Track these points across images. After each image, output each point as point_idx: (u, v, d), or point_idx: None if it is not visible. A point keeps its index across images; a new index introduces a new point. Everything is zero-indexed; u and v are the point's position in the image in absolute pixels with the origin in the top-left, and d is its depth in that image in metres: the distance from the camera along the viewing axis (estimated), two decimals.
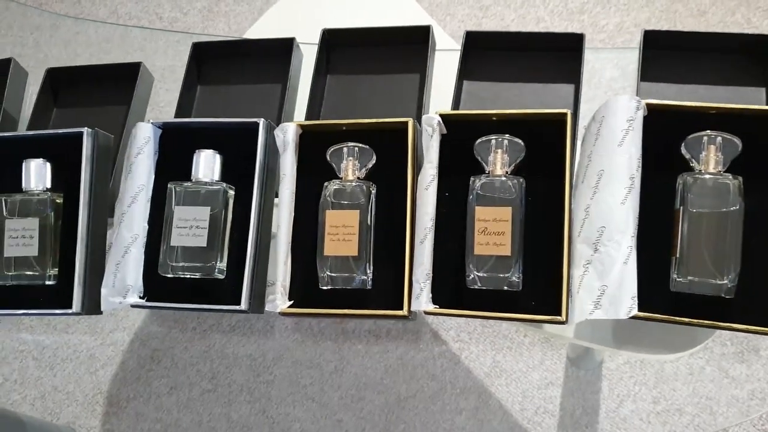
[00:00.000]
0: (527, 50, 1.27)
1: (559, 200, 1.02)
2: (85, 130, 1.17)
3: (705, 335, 1.29)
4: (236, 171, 1.14)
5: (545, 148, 1.06)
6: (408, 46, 1.31)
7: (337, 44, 1.35)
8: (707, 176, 0.96)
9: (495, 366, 1.45)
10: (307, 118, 1.26)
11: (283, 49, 1.33)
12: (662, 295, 0.98)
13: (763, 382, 1.48)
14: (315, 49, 1.32)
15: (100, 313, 1.15)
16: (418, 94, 1.25)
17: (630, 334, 1.26)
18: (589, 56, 1.22)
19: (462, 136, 1.08)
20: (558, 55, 1.25)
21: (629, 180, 0.98)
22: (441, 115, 1.07)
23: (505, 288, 1.01)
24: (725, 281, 0.93)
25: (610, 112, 1.01)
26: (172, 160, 1.18)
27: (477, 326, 1.24)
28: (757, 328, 0.93)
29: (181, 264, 1.11)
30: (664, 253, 0.99)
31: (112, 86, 1.42)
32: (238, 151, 1.15)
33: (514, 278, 1.00)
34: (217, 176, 1.13)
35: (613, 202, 0.97)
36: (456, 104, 1.22)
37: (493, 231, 1.00)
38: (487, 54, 1.29)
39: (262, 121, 1.13)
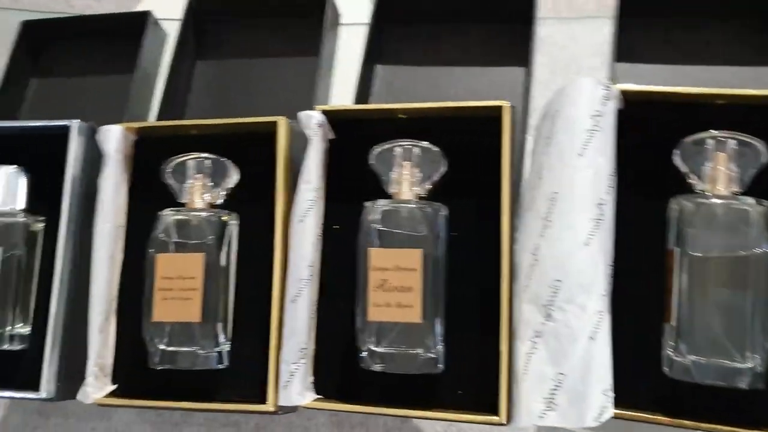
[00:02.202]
0: (461, 21, 0.93)
1: (497, 237, 0.68)
2: None
3: None
4: (52, 197, 0.80)
5: (476, 159, 0.72)
6: (300, 20, 0.97)
7: (209, 19, 1.00)
8: (715, 200, 0.63)
9: None
10: (160, 118, 0.91)
11: (135, 27, 0.98)
12: (652, 382, 0.65)
13: None
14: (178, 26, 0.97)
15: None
16: (310, 85, 0.90)
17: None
18: (549, 29, 0.88)
19: (357, 143, 0.74)
20: (504, 28, 0.91)
21: (596, 208, 0.64)
22: (325, 112, 0.73)
23: (416, 371, 0.67)
24: (747, 364, 0.60)
25: (566, 104, 0.67)
26: None
27: (392, 423, 0.87)
28: None
29: None
30: (652, 317, 0.66)
31: None
32: (57, 168, 0.80)
33: (429, 354, 0.67)
34: (21, 203, 0.79)
35: (573, 241, 0.64)
36: (363, 97, 0.88)
37: (396, 285, 0.66)
38: (407, 28, 0.94)
39: (74, 124, 0.78)
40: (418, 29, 0.94)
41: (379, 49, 0.93)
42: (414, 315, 0.66)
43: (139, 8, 1.08)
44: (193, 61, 1.00)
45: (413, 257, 0.67)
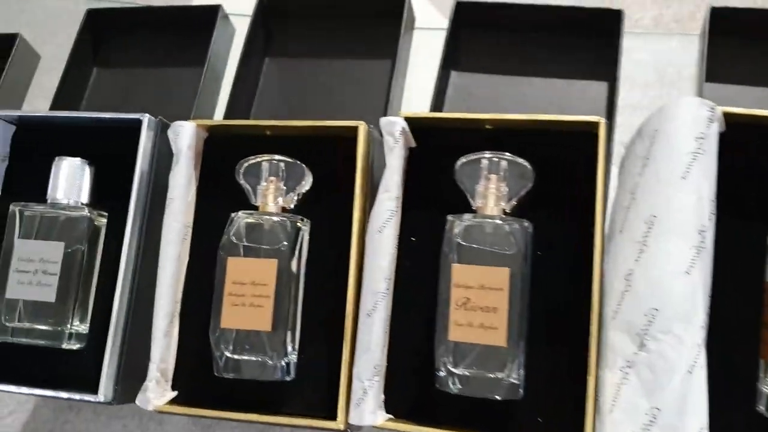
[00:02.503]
0: (541, 30, 0.89)
1: (585, 259, 0.65)
2: None
3: None
4: (116, 189, 0.78)
5: (565, 174, 0.69)
6: (376, 21, 0.93)
7: (280, 16, 0.97)
8: None
9: None
10: (228, 115, 0.88)
11: (204, 20, 0.96)
12: (746, 419, 0.62)
13: None
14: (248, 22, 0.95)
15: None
16: (386, 89, 0.87)
17: None
18: (627, 43, 0.84)
19: (439, 153, 0.71)
20: (588, 41, 0.88)
21: (698, 235, 0.61)
22: (407, 119, 0.70)
23: (497, 397, 0.63)
24: None
25: (669, 125, 0.64)
26: (29, 170, 0.81)
27: None
28: None
29: (23, 326, 0.75)
30: (747, 352, 0.62)
31: None
32: (121, 160, 0.78)
33: (511, 380, 0.63)
34: (84, 197, 0.77)
35: (673, 269, 0.60)
36: (438, 104, 0.85)
37: (481, 305, 0.63)
38: (485, 34, 0.91)
39: (146, 118, 0.76)
40: (496, 37, 0.91)
41: (455, 55, 0.90)
42: (499, 338, 0.63)
43: (201, 1, 1.06)
44: (261, 59, 0.97)
45: (500, 276, 0.63)
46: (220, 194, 0.76)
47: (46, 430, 1.08)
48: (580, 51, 0.88)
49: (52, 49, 1.09)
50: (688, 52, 0.87)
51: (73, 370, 0.77)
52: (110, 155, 0.79)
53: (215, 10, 0.96)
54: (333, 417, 0.67)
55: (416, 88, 0.91)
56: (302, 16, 0.97)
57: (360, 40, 0.95)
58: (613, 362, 0.62)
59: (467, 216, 0.66)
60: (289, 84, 0.96)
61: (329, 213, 0.74)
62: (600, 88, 0.86)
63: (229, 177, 0.75)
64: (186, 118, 0.82)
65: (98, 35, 1.03)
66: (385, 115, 0.86)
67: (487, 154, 0.68)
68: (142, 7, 1.06)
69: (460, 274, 0.64)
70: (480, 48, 0.91)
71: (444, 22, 0.91)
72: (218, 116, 0.95)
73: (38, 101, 1.06)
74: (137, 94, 1.00)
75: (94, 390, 0.73)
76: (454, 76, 0.90)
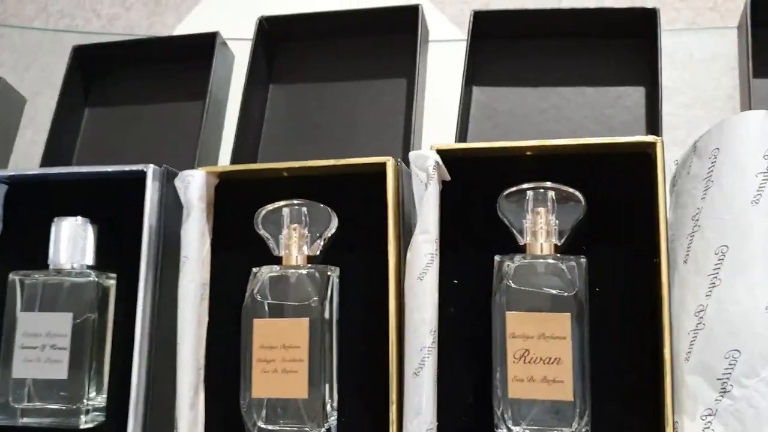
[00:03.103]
0: (567, 36, 0.83)
1: (647, 293, 0.59)
2: None
3: None
4: (123, 247, 0.72)
5: (618, 201, 0.62)
6: (386, 37, 0.87)
7: (281, 38, 0.90)
8: None
9: None
10: (235, 155, 0.82)
11: (202, 49, 0.89)
12: None
13: None
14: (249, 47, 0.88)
15: None
16: (404, 113, 0.81)
17: None
18: (667, 41, 0.78)
19: (476, 185, 0.65)
20: (617, 45, 0.81)
21: None
22: (439, 151, 0.64)
23: None
24: None
25: (732, 143, 0.58)
26: (26, 233, 0.75)
27: None
28: None
29: (33, 406, 0.68)
30: None
31: None
32: (125, 214, 0.72)
33: None
34: (89, 259, 0.70)
35: (753, 304, 0.54)
36: (463, 124, 0.78)
37: (542, 356, 0.57)
38: (507, 45, 0.84)
39: (150, 169, 0.69)
40: (518, 47, 0.84)
41: (476, 69, 0.84)
42: (565, 392, 0.57)
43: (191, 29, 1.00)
44: (265, 87, 0.90)
45: (561, 323, 0.57)
46: (237, 246, 0.70)
47: None
48: (612, 55, 0.81)
49: (37, 89, 1.03)
50: (726, 46, 0.81)
51: None
52: (112, 210, 0.73)
53: (212, 37, 0.89)
54: None
55: (434, 105, 0.85)
56: (306, 38, 0.91)
57: (371, 58, 0.88)
58: (693, 410, 0.56)
59: (517, 256, 0.60)
60: (297, 111, 0.89)
61: (358, 258, 0.68)
62: (636, 93, 0.79)
63: (246, 226, 0.68)
64: (190, 155, 0.76)
65: (87, 73, 0.96)
66: (407, 142, 0.80)
67: (533, 186, 0.61)
68: (133, 39, 1.00)
69: (516, 322, 0.58)
70: (502, 60, 0.84)
71: (458, 32, 0.84)
72: (224, 152, 0.88)
73: (28, 147, 0.99)
74: (134, 133, 0.94)
75: None
76: (477, 91, 0.83)
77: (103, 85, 0.97)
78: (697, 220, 0.59)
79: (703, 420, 0.56)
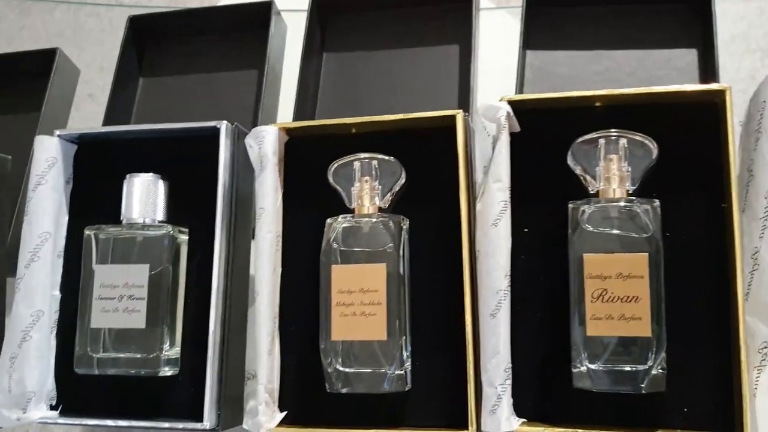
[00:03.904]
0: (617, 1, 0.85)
1: (716, 237, 0.60)
2: None
3: None
4: (192, 204, 0.74)
5: (690, 151, 0.64)
6: (437, 6, 0.88)
7: (335, 8, 0.92)
8: None
9: None
10: (297, 117, 0.83)
11: (256, 19, 0.91)
12: None
13: None
14: (304, 17, 0.90)
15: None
16: (459, 78, 0.82)
17: None
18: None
19: (545, 136, 0.67)
20: (668, 6, 0.83)
21: None
22: (511, 102, 0.66)
23: (641, 389, 0.59)
24: None
25: None
26: (95, 191, 0.76)
27: None
28: None
29: (111, 356, 0.70)
30: None
31: (14, 85, 0.99)
32: (194, 172, 0.74)
33: (657, 371, 0.59)
34: (161, 214, 0.72)
35: None
36: (519, 91, 0.80)
37: (620, 295, 0.58)
38: (559, 9, 0.86)
39: (223, 125, 0.71)
40: (570, 10, 0.86)
41: (532, 33, 0.85)
42: (643, 328, 0.58)
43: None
44: (320, 56, 0.92)
45: (639, 263, 0.59)
46: (306, 201, 0.72)
47: None
48: (663, 16, 0.83)
49: (91, 62, 1.05)
50: None
51: (165, 398, 0.72)
52: (180, 168, 0.75)
53: (268, 6, 0.91)
54: (458, 426, 0.62)
55: (482, 72, 0.86)
56: (358, 7, 0.92)
57: (423, 26, 0.90)
58: (752, 344, 0.58)
59: (592, 201, 0.62)
60: (351, 80, 0.91)
61: (426, 210, 0.69)
62: (689, 56, 0.81)
63: (315, 181, 0.70)
64: (247, 124, 0.78)
65: (142, 43, 0.98)
66: (464, 102, 0.82)
67: (604, 133, 0.63)
68: (187, 9, 1.01)
69: (594, 264, 0.60)
70: (554, 24, 0.86)
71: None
72: (282, 120, 0.90)
73: (84, 121, 1.01)
74: (189, 103, 0.95)
75: (189, 417, 0.69)
76: (531, 56, 0.85)
77: (158, 56, 0.98)
78: (752, 170, 0.61)
79: (760, 353, 0.58)
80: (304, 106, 0.86)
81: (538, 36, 0.86)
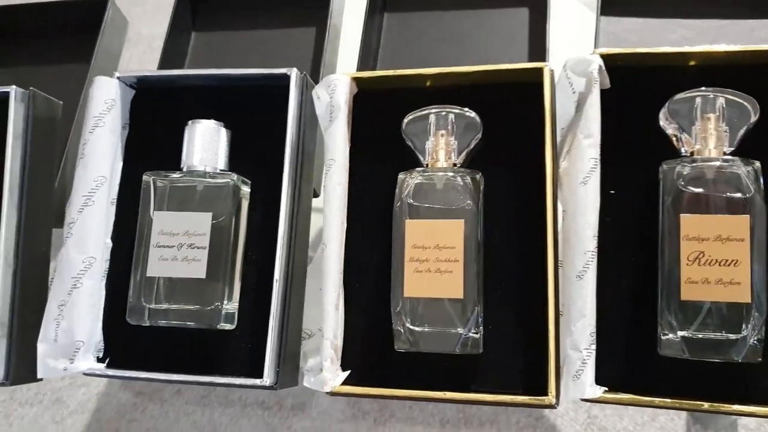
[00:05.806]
0: None
1: None
2: (13, 90, 0.73)
3: None
4: (253, 155, 0.71)
5: None
6: None
7: None
8: None
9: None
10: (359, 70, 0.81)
11: None
12: None
13: None
14: None
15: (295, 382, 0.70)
16: (528, 39, 0.80)
17: None
18: None
19: (637, 94, 0.63)
20: None
21: None
22: (603, 57, 0.63)
23: (735, 358, 0.56)
24: None
25: None
26: (151, 138, 0.73)
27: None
28: None
29: (165, 307, 0.66)
30: None
31: (65, 35, 0.96)
32: (256, 122, 0.71)
33: (753, 341, 0.56)
34: (222, 163, 0.68)
35: None
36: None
37: (718, 258, 0.55)
38: None
39: (294, 72, 0.68)
40: None
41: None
42: (742, 293, 0.55)
43: None
44: (381, 15, 0.89)
45: (740, 225, 0.56)
46: (374, 155, 0.69)
47: (111, 429, 1.02)
48: None
49: (140, 13, 1.02)
50: None
51: (221, 353, 0.69)
52: (239, 117, 0.72)
53: None
54: (535, 391, 0.59)
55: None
56: None
57: None
58: None
59: (687, 161, 0.59)
60: (412, 40, 0.88)
61: (502, 169, 0.66)
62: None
63: (384, 134, 0.67)
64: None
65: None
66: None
67: (702, 92, 0.60)
68: None
69: (692, 224, 0.57)
70: None
71: None
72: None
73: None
74: (241, 59, 0.92)
75: (245, 374, 0.66)
76: (603, 21, 0.82)
77: (212, 9, 0.95)
78: None
79: None
80: (366, 63, 0.82)
81: (613, 2, 0.83)
